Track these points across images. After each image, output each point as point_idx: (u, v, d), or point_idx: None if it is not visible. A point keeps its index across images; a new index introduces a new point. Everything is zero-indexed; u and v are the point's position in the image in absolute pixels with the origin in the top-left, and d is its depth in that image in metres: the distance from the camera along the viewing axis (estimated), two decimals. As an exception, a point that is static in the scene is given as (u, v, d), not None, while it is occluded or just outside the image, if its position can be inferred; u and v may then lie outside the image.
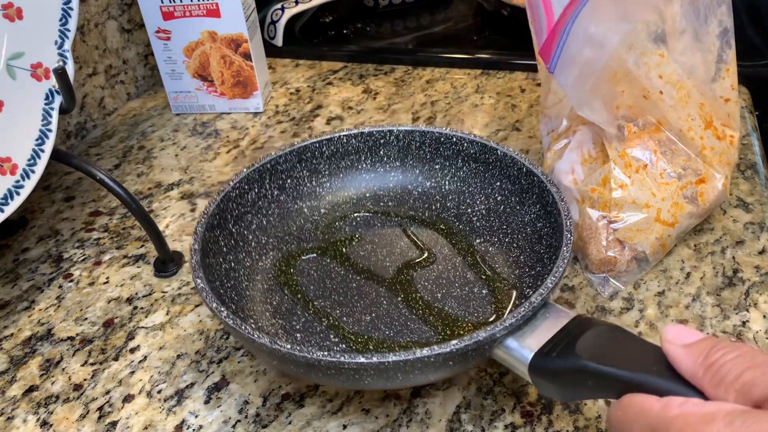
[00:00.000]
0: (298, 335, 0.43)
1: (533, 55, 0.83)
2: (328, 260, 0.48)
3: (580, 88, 0.45)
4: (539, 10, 0.44)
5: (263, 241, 0.49)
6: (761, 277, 0.51)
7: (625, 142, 0.49)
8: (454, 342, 0.34)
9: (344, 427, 0.42)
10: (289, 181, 0.51)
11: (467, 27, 0.93)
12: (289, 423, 0.43)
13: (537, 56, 0.50)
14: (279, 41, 0.87)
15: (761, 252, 0.53)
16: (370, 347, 0.41)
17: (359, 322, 0.43)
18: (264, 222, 0.50)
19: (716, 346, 0.28)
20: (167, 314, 0.52)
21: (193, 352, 0.49)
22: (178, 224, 0.61)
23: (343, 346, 0.42)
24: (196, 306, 0.52)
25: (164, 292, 0.54)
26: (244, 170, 0.49)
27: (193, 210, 0.63)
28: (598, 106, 0.46)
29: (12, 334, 0.51)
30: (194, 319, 0.51)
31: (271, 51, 0.86)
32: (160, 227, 0.61)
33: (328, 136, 0.51)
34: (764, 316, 0.47)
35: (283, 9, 0.87)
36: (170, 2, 0.71)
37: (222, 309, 0.38)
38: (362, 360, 0.33)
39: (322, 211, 0.52)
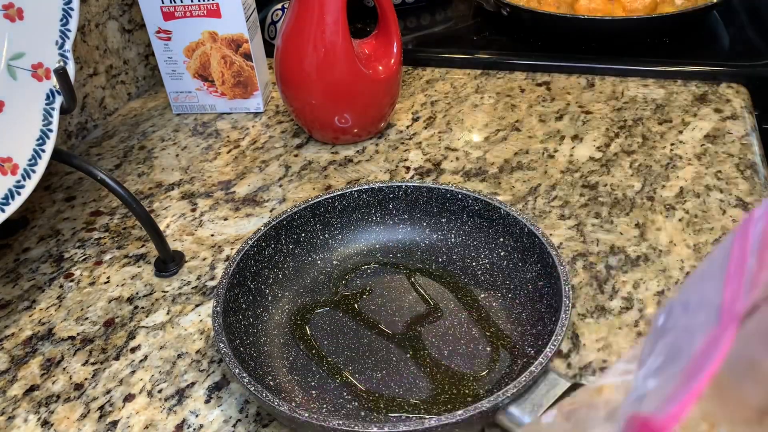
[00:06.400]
0: (314, 392, 0.44)
1: (533, 55, 0.84)
2: (341, 314, 0.50)
3: None
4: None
5: (279, 295, 0.51)
6: (761, 276, 0.51)
7: None
8: (459, 412, 0.37)
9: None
10: (303, 234, 0.53)
11: (467, 27, 0.94)
12: (290, 422, 0.43)
13: None
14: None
15: (761, 252, 0.53)
16: (381, 406, 0.43)
17: (370, 380, 0.45)
18: (280, 276, 0.51)
19: None
20: (168, 314, 0.52)
21: (193, 352, 0.49)
22: (178, 224, 0.61)
23: (356, 404, 0.43)
24: (197, 306, 0.53)
25: (165, 292, 0.54)
26: (262, 228, 0.51)
27: (193, 210, 0.63)
28: None
29: (13, 334, 0.51)
30: (195, 319, 0.51)
31: (271, 51, 0.86)
32: (161, 227, 0.61)
33: (341, 192, 0.54)
34: (764, 316, 0.47)
35: (283, 9, 0.87)
36: (171, 2, 0.71)
37: (244, 375, 0.40)
38: (374, 430, 0.36)
39: (335, 262, 0.54)
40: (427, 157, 0.67)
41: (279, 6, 0.88)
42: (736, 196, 0.58)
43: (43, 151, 0.52)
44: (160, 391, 0.46)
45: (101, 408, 0.45)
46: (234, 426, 0.43)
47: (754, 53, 0.79)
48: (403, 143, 0.70)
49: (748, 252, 0.19)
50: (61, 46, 0.53)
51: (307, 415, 0.37)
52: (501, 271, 0.51)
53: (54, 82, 0.52)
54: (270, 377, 0.45)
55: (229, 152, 0.71)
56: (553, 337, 0.41)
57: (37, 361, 0.49)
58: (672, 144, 0.66)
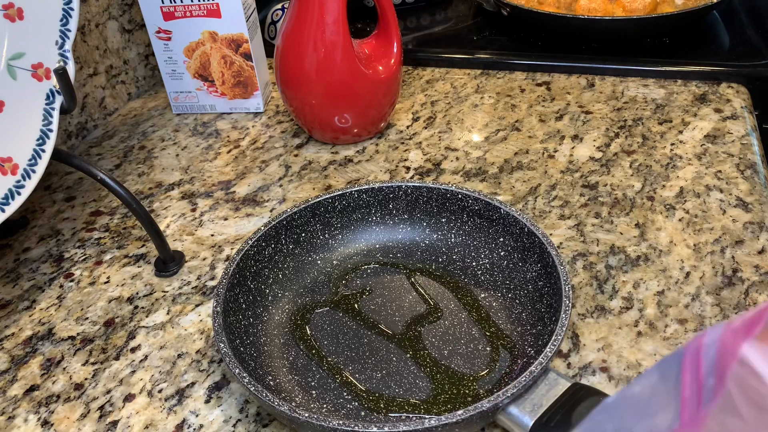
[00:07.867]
0: (314, 392, 0.44)
1: (533, 55, 0.84)
2: (341, 314, 0.50)
3: None
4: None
5: (279, 295, 0.51)
6: (761, 276, 0.51)
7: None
8: (459, 412, 0.37)
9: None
10: (303, 234, 0.53)
11: (467, 27, 0.94)
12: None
13: None
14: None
15: (761, 251, 0.53)
16: (381, 406, 0.43)
17: (371, 380, 0.45)
18: (280, 276, 0.51)
19: None
20: (168, 314, 0.52)
21: (193, 352, 0.49)
22: (178, 224, 0.61)
23: (356, 404, 0.43)
24: (197, 306, 0.53)
25: (165, 292, 0.54)
26: (262, 228, 0.51)
27: (193, 210, 0.63)
28: None
29: (13, 334, 0.51)
30: (195, 319, 0.51)
31: (271, 51, 0.86)
32: (161, 227, 0.61)
33: (341, 192, 0.54)
34: (764, 316, 0.47)
35: (283, 9, 0.87)
36: (171, 2, 0.71)
37: (244, 375, 0.40)
38: (374, 430, 0.36)
39: (335, 262, 0.54)
40: (427, 157, 0.67)
41: (279, 6, 0.88)
42: (736, 196, 0.58)
43: (43, 151, 0.52)
44: (160, 391, 0.46)
45: (101, 408, 0.45)
46: (234, 426, 0.43)
47: (754, 53, 0.79)
48: (403, 143, 0.70)
49: (703, 375, 0.21)
50: (61, 46, 0.53)
51: (307, 415, 0.37)
52: (501, 271, 0.51)
53: (54, 82, 0.52)
54: (270, 377, 0.45)
55: (229, 152, 0.71)
56: (553, 337, 0.41)
57: (37, 361, 0.49)
58: (672, 144, 0.66)
